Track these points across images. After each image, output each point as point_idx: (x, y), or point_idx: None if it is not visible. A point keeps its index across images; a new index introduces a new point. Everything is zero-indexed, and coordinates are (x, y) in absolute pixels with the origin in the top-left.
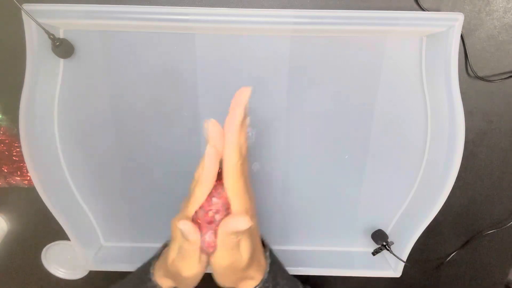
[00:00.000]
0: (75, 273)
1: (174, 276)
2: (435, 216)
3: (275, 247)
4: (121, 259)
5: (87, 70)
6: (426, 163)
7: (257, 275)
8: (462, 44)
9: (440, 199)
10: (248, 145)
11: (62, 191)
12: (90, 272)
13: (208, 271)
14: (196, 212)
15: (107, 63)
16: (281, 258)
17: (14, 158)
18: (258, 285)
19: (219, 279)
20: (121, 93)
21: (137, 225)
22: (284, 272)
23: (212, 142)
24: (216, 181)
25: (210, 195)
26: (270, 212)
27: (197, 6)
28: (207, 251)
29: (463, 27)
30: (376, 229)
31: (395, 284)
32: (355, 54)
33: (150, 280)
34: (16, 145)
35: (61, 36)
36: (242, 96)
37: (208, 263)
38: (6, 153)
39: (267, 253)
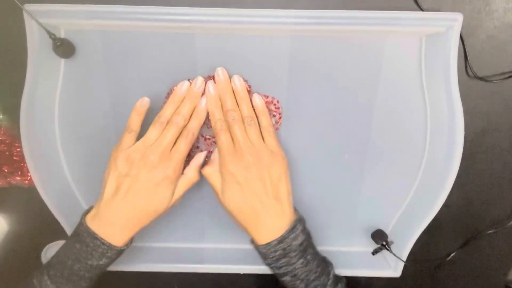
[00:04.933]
0: None
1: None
2: (435, 216)
3: None
4: (121, 259)
5: (88, 70)
6: (426, 163)
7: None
8: (461, 44)
9: (440, 199)
10: None
11: (62, 191)
12: None
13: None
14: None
15: (108, 63)
16: None
17: (15, 158)
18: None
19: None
20: (122, 93)
21: None
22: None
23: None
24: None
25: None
26: None
27: (197, 6)
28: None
29: (463, 27)
30: (376, 228)
31: (395, 284)
32: (355, 54)
33: (81, 224)
34: (16, 145)
35: (62, 36)
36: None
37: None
38: (7, 153)
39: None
